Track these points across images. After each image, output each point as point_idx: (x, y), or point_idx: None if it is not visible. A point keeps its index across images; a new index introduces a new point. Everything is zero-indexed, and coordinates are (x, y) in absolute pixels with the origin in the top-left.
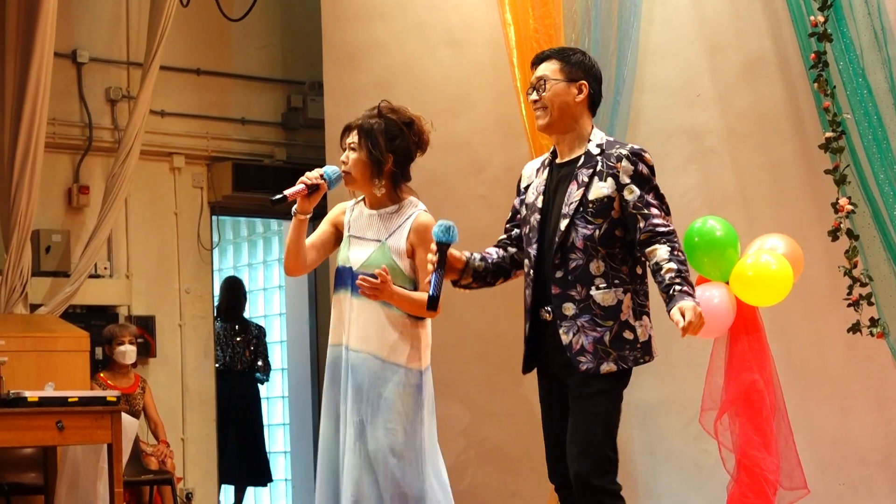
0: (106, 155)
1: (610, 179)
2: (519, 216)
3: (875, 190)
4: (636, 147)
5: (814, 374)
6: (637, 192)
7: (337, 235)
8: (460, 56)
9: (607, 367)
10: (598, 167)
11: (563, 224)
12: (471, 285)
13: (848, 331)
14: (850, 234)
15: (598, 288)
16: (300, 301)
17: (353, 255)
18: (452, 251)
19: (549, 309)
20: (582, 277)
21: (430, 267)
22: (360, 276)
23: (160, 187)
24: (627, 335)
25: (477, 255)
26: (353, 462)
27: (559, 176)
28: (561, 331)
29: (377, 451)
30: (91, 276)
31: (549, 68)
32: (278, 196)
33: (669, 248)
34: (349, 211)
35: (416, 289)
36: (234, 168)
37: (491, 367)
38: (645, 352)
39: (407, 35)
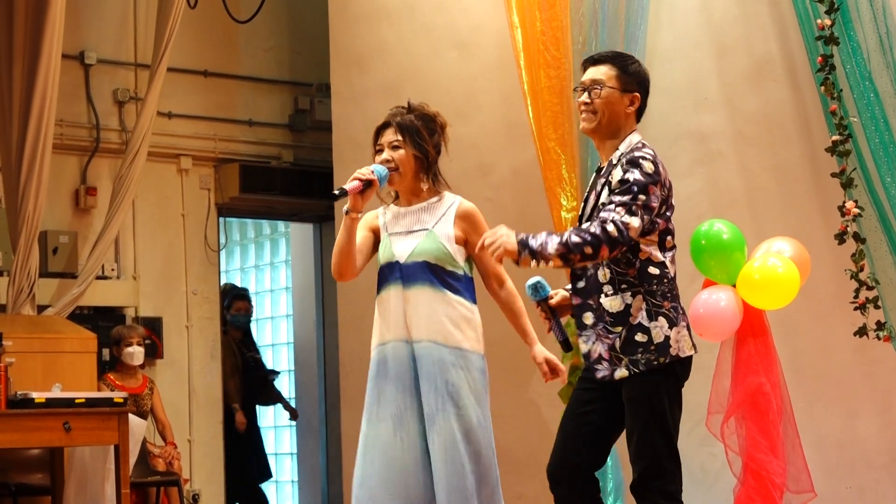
0: (113, 156)
1: (608, 187)
2: None
3: (882, 193)
4: (637, 154)
5: (820, 377)
6: (607, 196)
7: (374, 240)
8: (467, 58)
9: (620, 373)
10: (609, 176)
11: None
12: None
13: (854, 334)
14: (857, 238)
15: (605, 295)
16: (307, 303)
17: (398, 249)
18: (552, 300)
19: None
20: (593, 286)
21: (545, 323)
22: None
23: (167, 189)
24: (640, 338)
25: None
26: (434, 454)
27: (592, 184)
28: (581, 340)
29: (455, 438)
30: (98, 278)
31: (604, 73)
32: (339, 190)
33: (590, 223)
34: (381, 215)
35: (465, 274)
36: (241, 170)
37: (496, 370)
38: (660, 353)
39: (414, 37)
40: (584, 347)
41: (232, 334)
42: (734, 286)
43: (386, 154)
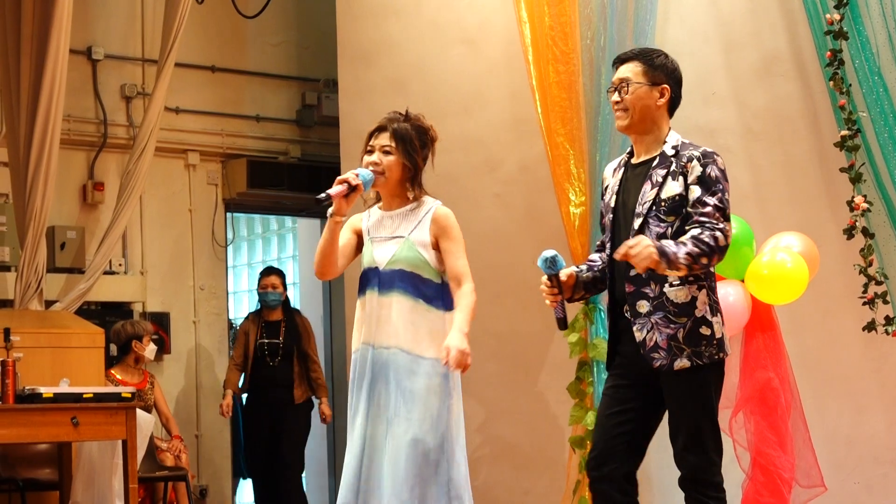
0: (121, 152)
1: (681, 178)
2: (604, 219)
3: (890, 188)
4: (709, 150)
5: (829, 372)
6: (698, 192)
7: (358, 243)
8: (475, 54)
9: (681, 363)
10: (672, 167)
11: (637, 223)
12: (584, 297)
13: (863, 329)
14: (866, 233)
15: (671, 285)
16: (315, 298)
17: (377, 255)
18: (563, 275)
19: (627, 308)
20: (656, 275)
21: (550, 300)
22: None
23: (175, 184)
24: (704, 331)
25: (584, 267)
26: (388, 455)
27: (633, 175)
28: (635, 328)
29: (407, 442)
30: (106, 273)
31: (632, 70)
32: (323, 195)
33: (699, 230)
34: (366, 218)
35: (443, 281)
36: (248, 165)
37: (506, 365)
38: (720, 348)
39: (421, 33)
40: (637, 336)
41: (260, 317)
42: (742, 281)
43: (375, 157)
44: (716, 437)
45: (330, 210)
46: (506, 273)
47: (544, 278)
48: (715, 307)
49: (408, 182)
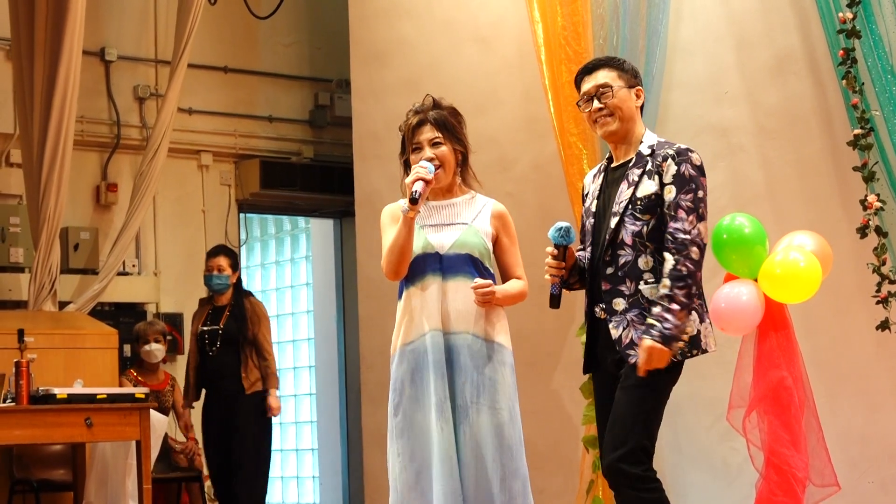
0: (134, 153)
1: (656, 177)
2: (585, 224)
3: None
4: (683, 147)
5: (842, 371)
6: (674, 192)
7: None
8: (488, 53)
9: None
10: (648, 166)
11: (614, 222)
12: (575, 285)
13: (877, 328)
14: (879, 231)
15: (646, 283)
16: (328, 298)
17: (435, 240)
18: (576, 251)
19: (602, 306)
20: (631, 273)
21: (553, 272)
22: (476, 285)
23: (188, 185)
24: None
25: (579, 255)
26: (463, 446)
27: (612, 179)
28: (611, 325)
29: (486, 432)
30: (119, 274)
31: (608, 76)
32: (413, 197)
33: (674, 262)
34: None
35: (497, 273)
36: (261, 165)
37: (519, 364)
38: (693, 346)
39: (434, 33)
40: (614, 333)
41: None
42: (756, 280)
43: (429, 152)
44: (651, 428)
45: (404, 207)
46: None
47: (551, 248)
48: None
49: (459, 168)
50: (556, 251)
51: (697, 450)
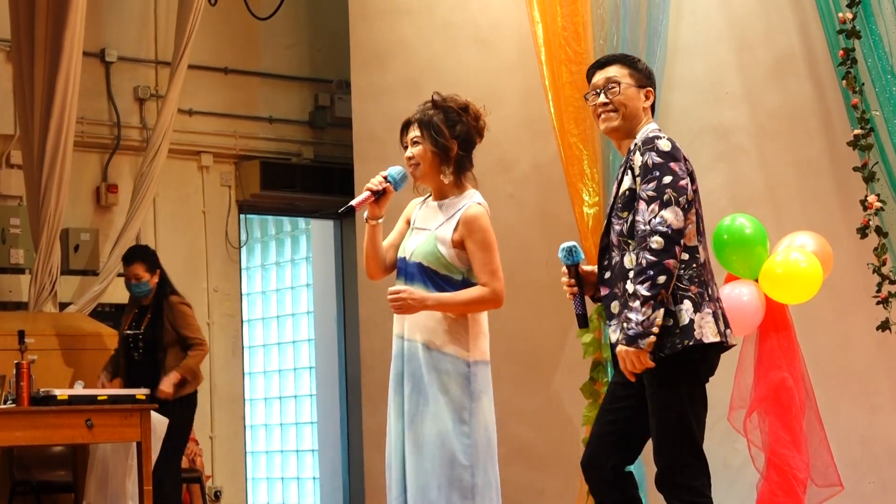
0: (134, 154)
1: (630, 172)
2: None
3: None
4: (651, 135)
5: (842, 372)
6: (639, 182)
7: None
8: (488, 54)
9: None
10: (629, 163)
11: (605, 225)
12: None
13: (877, 328)
14: (879, 232)
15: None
16: (328, 299)
17: (408, 244)
18: (584, 267)
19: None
20: (620, 273)
21: (568, 292)
22: (390, 291)
23: (188, 186)
24: (666, 322)
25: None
26: (408, 451)
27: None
28: (610, 330)
29: (427, 440)
30: (120, 275)
31: (618, 72)
32: (346, 207)
33: (634, 256)
34: (419, 206)
35: (464, 279)
36: (261, 166)
37: (520, 366)
38: (685, 335)
39: (434, 33)
40: (612, 337)
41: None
42: (756, 281)
43: (409, 151)
44: (689, 436)
45: (365, 214)
46: (519, 273)
47: (563, 269)
48: (681, 295)
49: (444, 167)
50: (566, 271)
51: None
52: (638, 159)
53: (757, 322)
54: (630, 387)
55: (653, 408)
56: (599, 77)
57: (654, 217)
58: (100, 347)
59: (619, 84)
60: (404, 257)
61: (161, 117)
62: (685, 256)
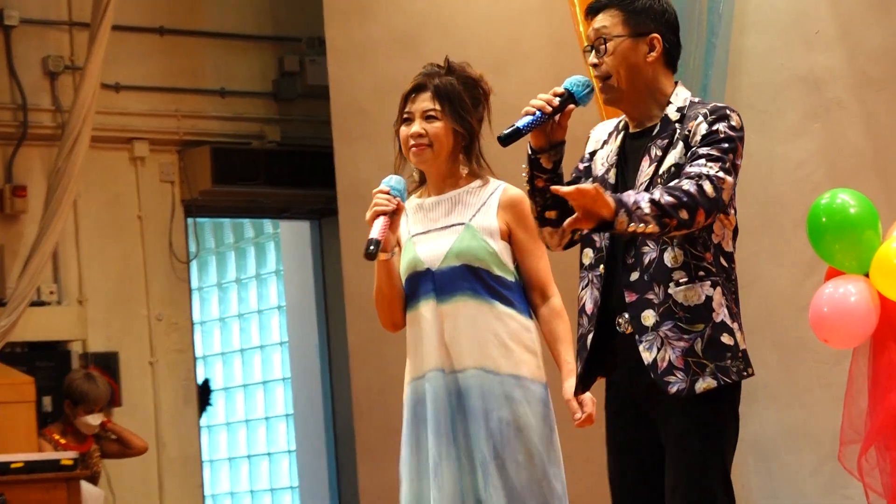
0: (46, 144)
1: (680, 144)
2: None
3: None
4: (721, 105)
5: None
6: (699, 144)
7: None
8: None
9: (704, 383)
10: (676, 135)
11: None
12: (544, 172)
13: None
14: None
15: (678, 284)
16: (307, 325)
17: (425, 253)
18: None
19: (628, 319)
20: (658, 274)
21: (533, 104)
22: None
23: (118, 184)
24: (726, 340)
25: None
26: None
27: (632, 149)
28: (642, 347)
29: (514, 493)
30: (33, 304)
31: (607, 21)
32: (373, 248)
33: (679, 180)
34: (406, 213)
35: (517, 279)
36: (213, 154)
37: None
38: (746, 362)
39: None
40: (646, 357)
41: None
42: (867, 276)
43: (417, 126)
44: (726, 484)
45: (371, 248)
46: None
47: (557, 88)
48: (733, 310)
49: (461, 154)
50: (562, 91)
51: (799, 499)
52: (703, 128)
53: (870, 329)
54: (629, 428)
55: (693, 443)
56: (591, 29)
57: (715, 172)
58: (11, 400)
59: (606, 38)
60: (427, 269)
61: (80, 96)
62: (726, 264)
